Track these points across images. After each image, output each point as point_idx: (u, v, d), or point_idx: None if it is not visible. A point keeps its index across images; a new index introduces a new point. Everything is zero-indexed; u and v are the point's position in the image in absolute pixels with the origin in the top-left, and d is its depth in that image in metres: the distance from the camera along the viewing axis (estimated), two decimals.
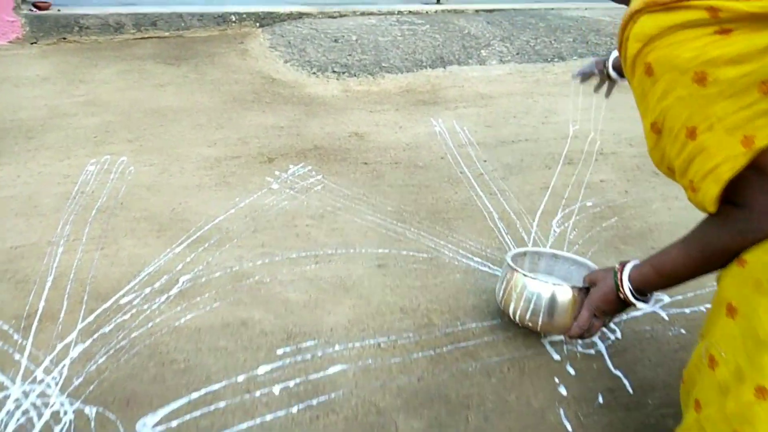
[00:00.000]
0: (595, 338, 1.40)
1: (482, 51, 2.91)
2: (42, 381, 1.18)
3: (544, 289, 1.25)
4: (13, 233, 1.56)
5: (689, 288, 1.64)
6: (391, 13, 3.27)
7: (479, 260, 1.63)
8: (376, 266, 1.57)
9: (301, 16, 3.08)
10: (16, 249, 1.51)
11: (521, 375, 1.27)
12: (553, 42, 3.10)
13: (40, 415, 1.11)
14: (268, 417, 1.13)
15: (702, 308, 1.59)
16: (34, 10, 2.71)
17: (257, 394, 1.17)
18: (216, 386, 1.18)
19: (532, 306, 1.27)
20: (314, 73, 2.61)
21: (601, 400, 1.22)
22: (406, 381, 1.23)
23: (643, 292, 1.04)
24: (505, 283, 1.32)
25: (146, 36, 2.84)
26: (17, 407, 1.12)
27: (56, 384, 1.17)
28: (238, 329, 1.33)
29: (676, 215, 1.90)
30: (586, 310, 1.14)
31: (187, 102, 2.35)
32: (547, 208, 1.88)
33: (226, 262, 1.52)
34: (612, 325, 1.48)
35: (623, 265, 1.06)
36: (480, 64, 2.83)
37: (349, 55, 2.72)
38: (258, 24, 3.00)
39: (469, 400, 1.20)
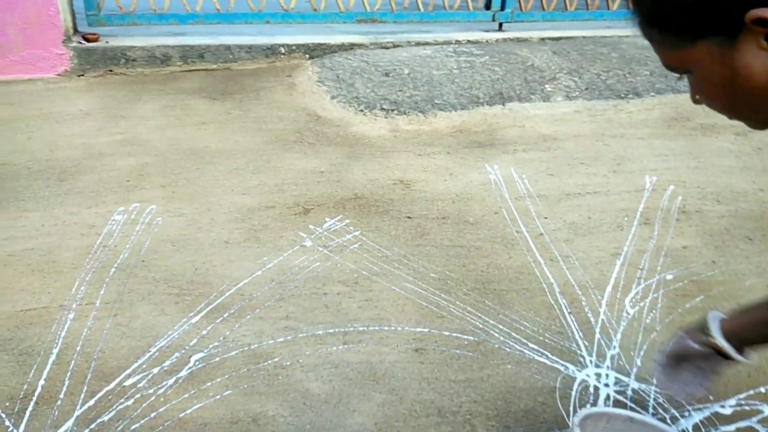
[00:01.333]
0: None
1: (547, 86, 2.66)
2: None
3: None
4: (26, 294, 1.46)
5: None
6: (448, 43, 3.08)
7: (535, 347, 1.39)
8: (413, 350, 1.36)
9: (352, 47, 2.94)
10: (26, 313, 1.41)
11: None
12: (627, 75, 2.81)
13: None
14: None
15: None
16: (84, 42, 2.70)
17: None
18: None
19: None
20: (362, 110, 2.44)
21: None
22: None
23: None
24: None
25: (193, 68, 2.77)
26: None
27: None
28: (247, 427, 1.16)
29: None
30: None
31: (227, 142, 2.24)
32: (619, 282, 1.61)
33: (245, 338, 1.35)
34: None
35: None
36: (544, 101, 2.58)
37: (400, 90, 2.54)
38: (308, 56, 2.89)
39: None
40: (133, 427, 1.15)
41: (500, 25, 3.38)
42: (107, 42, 2.75)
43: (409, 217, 1.85)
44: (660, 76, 2.84)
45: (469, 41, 3.13)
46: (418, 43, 3.05)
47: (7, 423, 1.15)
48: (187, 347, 1.33)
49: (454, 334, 1.40)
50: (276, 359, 1.31)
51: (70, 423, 1.15)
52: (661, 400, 1.29)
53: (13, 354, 1.29)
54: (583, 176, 2.11)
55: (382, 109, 2.43)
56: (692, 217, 1.90)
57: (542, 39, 3.25)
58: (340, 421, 1.17)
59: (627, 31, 3.55)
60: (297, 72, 2.79)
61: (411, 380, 1.28)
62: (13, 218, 1.76)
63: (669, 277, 1.63)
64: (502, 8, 3.29)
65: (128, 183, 1.94)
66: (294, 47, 2.87)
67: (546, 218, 1.87)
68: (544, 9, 3.39)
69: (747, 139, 2.49)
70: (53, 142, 2.15)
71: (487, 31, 3.35)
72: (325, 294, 1.50)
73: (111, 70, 2.70)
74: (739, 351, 0.94)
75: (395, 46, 3.01)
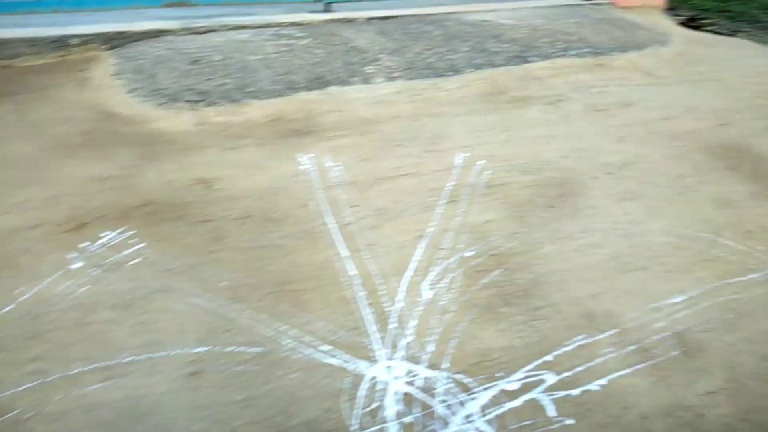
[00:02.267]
0: None
1: (368, 67, 2.60)
2: None
3: None
4: None
5: (581, 359, 1.40)
6: (269, 26, 2.90)
7: (327, 349, 1.30)
8: (188, 375, 1.21)
9: (159, 34, 2.66)
10: None
11: None
12: (447, 53, 2.83)
13: None
14: None
15: (593, 386, 1.34)
16: None
17: None
18: None
19: None
20: (163, 103, 2.21)
21: None
22: None
23: None
24: None
25: None
26: None
27: None
28: None
29: (567, 260, 1.64)
30: None
31: None
32: (421, 266, 1.58)
33: None
34: (479, 425, 1.19)
35: None
36: (365, 83, 2.51)
37: (209, 79, 2.34)
38: (107, 46, 2.57)
39: None
40: None
41: (328, 5, 3.27)
42: None
43: (207, 221, 1.68)
44: (479, 51, 2.89)
45: (292, 23, 2.98)
46: (235, 27, 2.84)
47: None
48: None
49: (239, 349, 1.28)
50: (15, 412, 1.11)
51: None
52: (450, 387, 1.27)
53: None
54: (397, 158, 2.07)
55: (188, 101, 2.22)
56: (498, 191, 1.93)
57: (369, 19, 3.18)
58: None
59: (454, 8, 3.61)
60: (92, 65, 2.48)
61: (181, 412, 1.14)
62: None
63: (469, 253, 1.63)
64: None
65: None
66: (89, 37, 2.54)
67: (356, 206, 1.79)
68: None
69: (556, 108, 2.60)
70: None
71: (314, 12, 3.23)
72: (89, 324, 1.30)
73: None
74: None
75: (209, 31, 2.78)
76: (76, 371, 1.19)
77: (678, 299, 1.55)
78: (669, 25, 3.95)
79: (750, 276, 1.65)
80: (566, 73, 2.89)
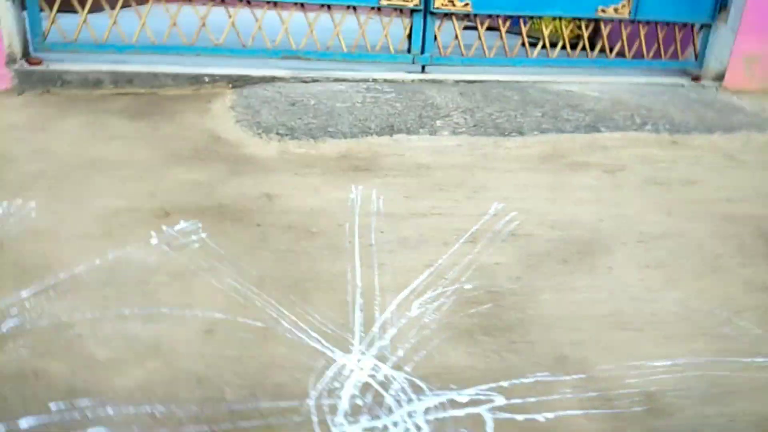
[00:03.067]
0: None
1: (438, 121, 2.90)
2: None
3: None
4: None
5: (536, 392, 1.50)
6: (365, 80, 3.36)
7: (315, 336, 1.57)
8: (204, 332, 1.55)
9: (273, 79, 3.23)
10: None
11: None
12: (518, 116, 3.04)
13: None
14: None
15: (540, 417, 1.43)
16: (27, 65, 3.03)
17: None
18: None
19: None
20: (259, 133, 2.69)
21: None
22: None
23: None
24: None
25: (122, 92, 3.07)
26: None
27: None
28: (26, 378, 1.35)
29: (562, 309, 1.74)
30: None
31: (126, 155, 2.49)
32: (420, 288, 1.79)
33: (60, 313, 1.56)
34: (419, 422, 1.36)
35: None
36: (430, 134, 2.82)
37: (299, 118, 2.80)
38: (231, 85, 3.18)
39: None
40: None
41: (423, 67, 3.67)
42: (48, 66, 3.07)
43: (258, 225, 2.06)
44: (550, 117, 3.07)
45: (386, 80, 3.40)
46: (336, 79, 3.33)
47: None
48: (6, 316, 1.53)
49: (247, 321, 1.59)
50: (77, 330, 1.51)
51: None
52: (404, 387, 1.46)
53: None
54: (436, 200, 2.31)
55: (278, 133, 2.68)
56: (519, 239, 2.09)
57: (457, 81, 3.51)
58: (108, 380, 1.36)
59: (543, 77, 3.82)
60: (216, 99, 3.08)
61: (189, 355, 1.46)
62: None
63: (468, 286, 1.81)
64: (422, 52, 3.58)
65: (21, 184, 2.19)
66: (218, 77, 3.17)
67: (383, 233, 2.07)
68: (463, 55, 3.67)
69: (612, 176, 2.68)
70: None
71: (410, 72, 3.64)
72: (148, 283, 1.70)
73: (48, 91, 3.00)
74: None
75: (314, 81, 3.29)
76: (128, 312, 1.57)
77: (662, 363, 1.59)
78: None
79: (755, 359, 1.63)
80: (635, 145, 2.95)
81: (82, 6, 3.16)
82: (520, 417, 1.41)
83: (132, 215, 2.04)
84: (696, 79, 4.12)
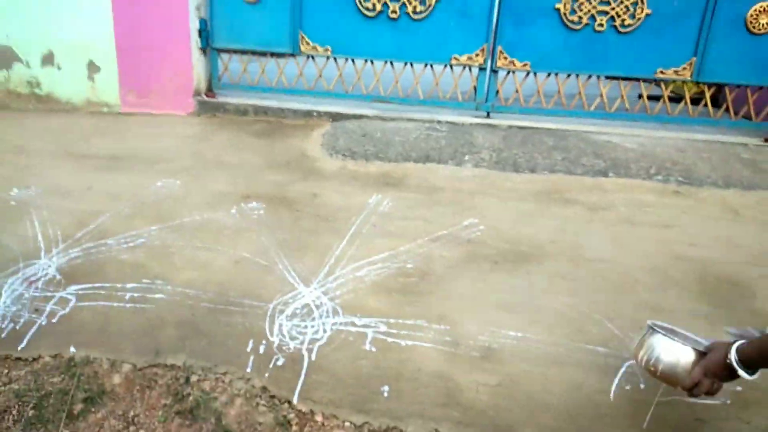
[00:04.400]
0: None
1: (467, 156, 3.68)
2: None
3: (672, 345, 1.53)
4: None
5: (408, 328, 2.25)
6: (430, 121, 4.25)
7: (294, 275, 2.54)
8: (234, 261, 2.63)
9: (360, 117, 4.31)
10: None
11: None
12: (540, 158, 3.66)
13: None
14: None
15: (402, 342, 2.20)
16: (204, 98, 4.57)
17: None
18: None
19: (658, 356, 1.54)
20: (332, 154, 3.78)
21: None
22: None
23: (749, 365, 1.28)
24: (643, 338, 1.65)
25: (261, 119, 4.44)
26: None
27: None
28: (137, 267, 2.56)
29: (466, 289, 2.47)
30: (699, 368, 1.42)
31: (245, 161, 3.77)
32: (375, 261, 2.65)
33: (167, 239, 2.77)
34: (326, 328, 2.24)
35: (735, 341, 1.33)
36: (455, 165, 3.61)
37: (362, 146, 3.82)
38: (331, 119, 4.34)
39: None
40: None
41: (488, 113, 4.43)
42: (217, 98, 4.58)
43: (299, 211, 3.11)
44: (569, 162, 3.62)
45: (447, 122, 4.26)
46: (408, 119, 4.28)
47: None
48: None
49: (260, 260, 2.63)
50: (109, 247, 2.71)
51: None
52: (328, 309, 2.34)
53: None
54: (429, 211, 3.13)
55: (342, 155, 3.74)
56: (472, 245, 2.81)
57: (509, 126, 4.21)
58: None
59: (592, 127, 4.28)
60: (317, 128, 4.26)
61: (221, 268, 2.55)
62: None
63: (409, 265, 2.62)
64: (486, 101, 4.35)
65: (168, 170, 3.56)
66: (323, 113, 4.36)
67: (374, 226, 2.96)
68: (522, 105, 4.35)
69: (592, 213, 3.17)
70: (154, 146, 3.94)
71: (476, 116, 4.42)
72: (222, 231, 2.85)
73: (215, 115, 4.50)
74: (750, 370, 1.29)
75: (391, 119, 4.29)
76: (200, 245, 2.73)
77: (517, 334, 2.23)
78: None
79: (597, 348, 2.17)
80: (634, 191, 3.35)
81: (244, 54, 4.66)
82: (390, 339, 2.21)
83: (228, 196, 3.26)
84: None
